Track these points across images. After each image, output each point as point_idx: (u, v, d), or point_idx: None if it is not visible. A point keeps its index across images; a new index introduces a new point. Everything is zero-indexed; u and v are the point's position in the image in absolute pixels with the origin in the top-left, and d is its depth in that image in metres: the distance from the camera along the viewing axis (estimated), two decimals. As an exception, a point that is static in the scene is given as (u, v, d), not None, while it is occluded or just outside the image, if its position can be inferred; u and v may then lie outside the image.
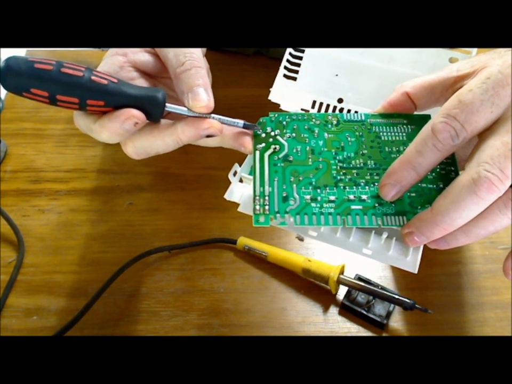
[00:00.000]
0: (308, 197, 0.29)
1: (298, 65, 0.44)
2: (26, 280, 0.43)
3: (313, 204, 0.28)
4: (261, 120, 0.32)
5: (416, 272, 0.28)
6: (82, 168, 0.51)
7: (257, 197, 0.28)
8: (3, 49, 0.62)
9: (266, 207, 0.28)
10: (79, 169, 0.51)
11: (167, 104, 0.28)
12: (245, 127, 0.31)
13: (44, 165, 0.52)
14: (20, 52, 0.64)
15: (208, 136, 0.29)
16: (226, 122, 0.30)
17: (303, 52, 0.44)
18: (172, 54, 0.29)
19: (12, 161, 0.52)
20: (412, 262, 0.28)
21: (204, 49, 0.32)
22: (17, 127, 0.55)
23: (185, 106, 0.29)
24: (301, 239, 0.46)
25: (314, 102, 0.43)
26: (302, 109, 0.43)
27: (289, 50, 0.44)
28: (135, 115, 0.27)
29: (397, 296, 0.39)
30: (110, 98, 0.27)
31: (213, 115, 0.29)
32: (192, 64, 0.29)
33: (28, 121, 0.56)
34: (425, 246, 0.28)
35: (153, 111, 0.28)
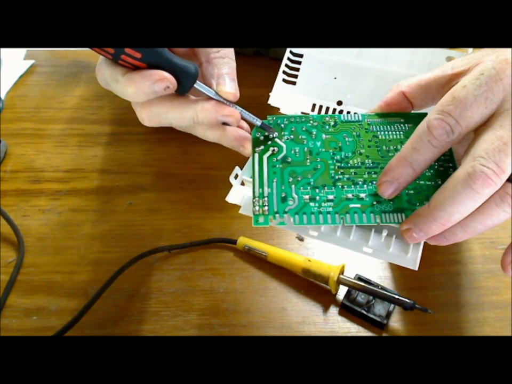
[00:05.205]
0: (307, 196, 0.29)
1: (297, 69, 0.44)
2: (26, 280, 0.43)
3: (311, 204, 0.28)
4: None
5: (416, 269, 0.28)
6: (82, 168, 0.51)
7: (256, 198, 0.29)
8: (3, 49, 0.62)
9: (265, 208, 0.28)
10: (79, 169, 0.51)
11: (197, 81, 0.29)
12: (262, 126, 0.31)
13: (43, 165, 0.52)
14: (20, 52, 0.64)
15: (224, 123, 0.30)
16: (246, 116, 0.30)
17: (301, 56, 0.44)
18: None
19: (12, 161, 0.52)
20: (412, 259, 0.28)
21: None
22: (17, 127, 0.55)
23: (212, 89, 0.29)
24: (301, 239, 0.46)
25: (314, 105, 0.43)
26: (302, 112, 0.43)
27: (287, 55, 0.44)
28: (168, 78, 0.27)
29: (397, 296, 0.39)
30: (149, 53, 0.27)
31: (236, 105, 0.30)
32: (226, 54, 0.30)
33: (28, 121, 0.56)
34: (425, 244, 0.28)
35: (185, 82, 0.28)
